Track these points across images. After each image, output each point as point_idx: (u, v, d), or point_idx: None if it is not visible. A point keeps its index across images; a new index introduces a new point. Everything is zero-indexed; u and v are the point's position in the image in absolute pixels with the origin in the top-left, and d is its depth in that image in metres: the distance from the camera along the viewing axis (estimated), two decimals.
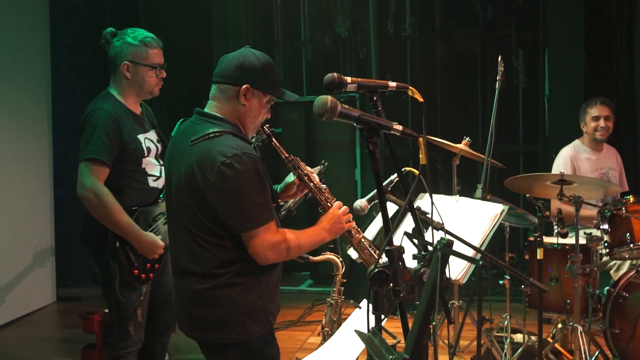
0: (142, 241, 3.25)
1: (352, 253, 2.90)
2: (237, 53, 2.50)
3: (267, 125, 2.68)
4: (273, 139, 2.72)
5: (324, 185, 2.70)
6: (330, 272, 3.47)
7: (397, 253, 2.01)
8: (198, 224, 2.40)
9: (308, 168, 2.72)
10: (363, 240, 2.71)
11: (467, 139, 4.37)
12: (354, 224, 2.67)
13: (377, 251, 2.71)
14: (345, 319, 3.05)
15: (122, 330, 3.37)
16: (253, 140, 3.18)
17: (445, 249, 1.78)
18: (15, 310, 5.97)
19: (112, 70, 3.34)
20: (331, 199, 2.66)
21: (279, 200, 2.79)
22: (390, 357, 1.66)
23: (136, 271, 3.29)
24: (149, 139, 3.39)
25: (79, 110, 3.48)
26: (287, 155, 2.68)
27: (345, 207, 2.64)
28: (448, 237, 1.86)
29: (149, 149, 3.36)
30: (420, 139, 2.04)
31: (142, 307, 3.38)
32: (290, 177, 2.78)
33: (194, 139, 2.41)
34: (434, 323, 1.82)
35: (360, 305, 3.08)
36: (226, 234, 2.40)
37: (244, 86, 2.44)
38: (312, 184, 2.67)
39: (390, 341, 3.68)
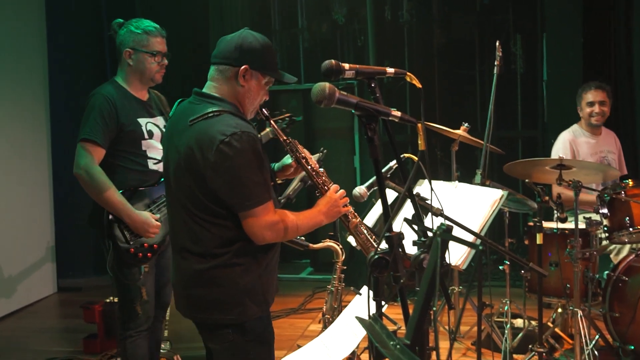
0: (135, 219, 3.29)
1: (352, 240, 2.90)
2: (236, 34, 2.49)
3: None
4: (271, 122, 2.73)
5: (322, 169, 2.70)
6: (330, 259, 3.48)
7: (397, 239, 2.01)
8: (198, 204, 2.40)
9: (306, 151, 2.71)
10: (360, 225, 2.71)
11: (466, 124, 4.37)
12: (351, 208, 2.67)
13: (374, 236, 2.71)
14: (346, 306, 3.06)
15: (130, 310, 3.42)
16: (268, 130, 3.20)
17: (445, 234, 1.78)
18: (16, 301, 5.98)
19: (118, 57, 3.46)
20: (328, 183, 2.66)
21: (277, 179, 2.79)
22: (391, 343, 1.66)
23: (132, 249, 3.33)
24: (152, 124, 3.46)
25: (75, 104, 3.54)
26: (285, 137, 2.68)
27: (342, 190, 2.64)
28: (448, 222, 1.86)
29: (150, 133, 3.43)
30: (419, 125, 2.03)
31: (146, 287, 3.43)
32: (288, 159, 2.78)
33: (192, 118, 2.40)
34: (434, 309, 1.83)
35: (361, 292, 3.08)
36: (226, 214, 2.39)
37: (243, 67, 2.43)
38: (309, 167, 2.67)
39: (391, 327, 3.69)
